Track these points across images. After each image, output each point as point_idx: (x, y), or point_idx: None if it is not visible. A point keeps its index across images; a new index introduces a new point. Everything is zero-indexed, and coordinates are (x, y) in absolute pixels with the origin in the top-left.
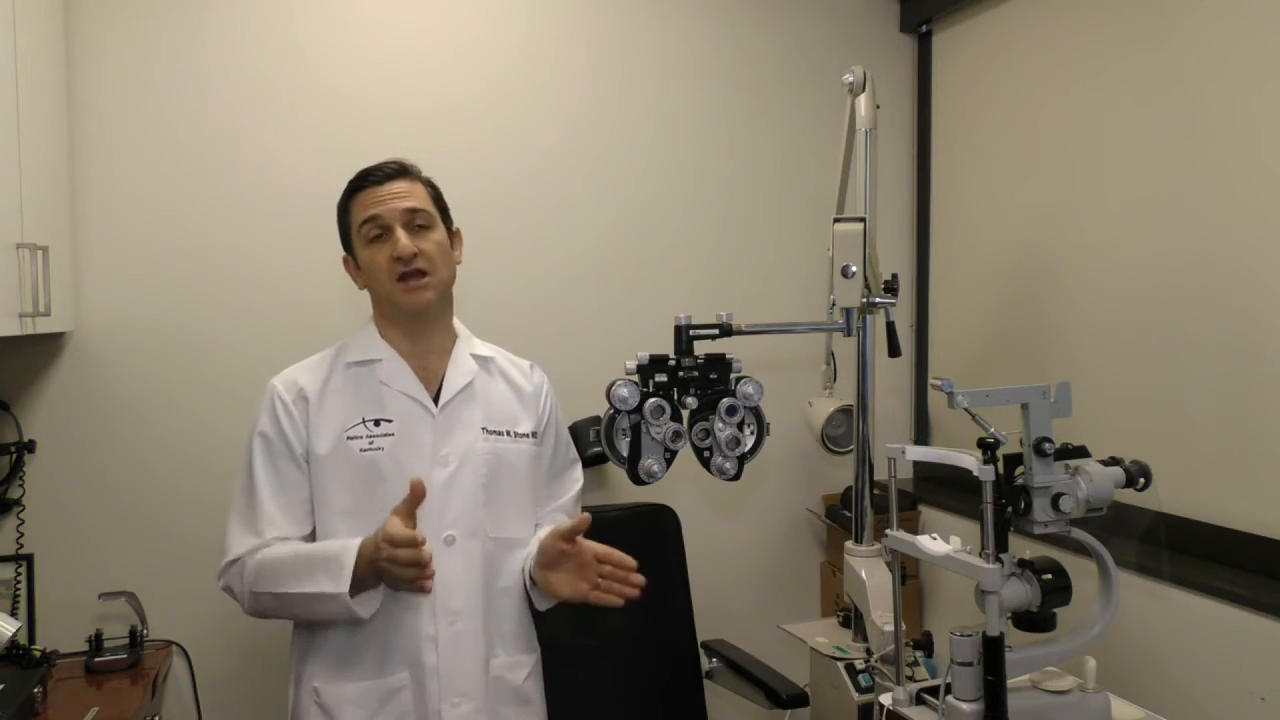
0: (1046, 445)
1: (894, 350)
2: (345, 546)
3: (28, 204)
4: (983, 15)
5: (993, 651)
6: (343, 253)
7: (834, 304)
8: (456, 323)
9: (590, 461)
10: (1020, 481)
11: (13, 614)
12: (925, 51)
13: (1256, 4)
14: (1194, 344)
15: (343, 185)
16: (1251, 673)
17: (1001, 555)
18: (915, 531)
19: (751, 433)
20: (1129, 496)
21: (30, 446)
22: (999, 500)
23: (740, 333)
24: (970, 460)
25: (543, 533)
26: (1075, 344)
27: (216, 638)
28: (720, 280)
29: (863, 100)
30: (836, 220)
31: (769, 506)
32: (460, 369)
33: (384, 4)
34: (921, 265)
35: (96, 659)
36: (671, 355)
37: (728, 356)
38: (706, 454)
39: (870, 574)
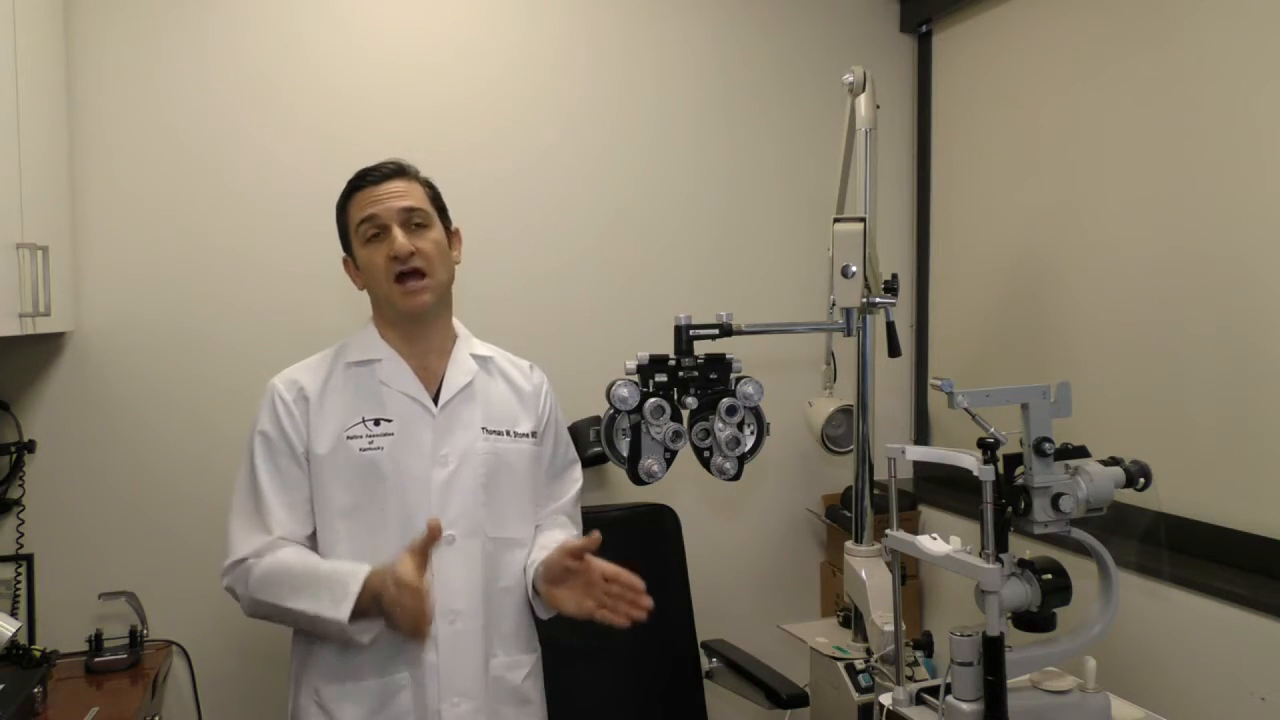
0: (1046, 445)
1: (894, 350)
2: (353, 572)
3: (28, 204)
4: (983, 15)
5: (993, 651)
6: (342, 253)
7: (834, 304)
8: (456, 323)
9: (590, 461)
10: (1020, 481)
11: (13, 614)
12: (925, 51)
13: (1256, 4)
14: (1194, 344)
15: (342, 185)
16: (1251, 673)
17: (1001, 555)
18: (915, 531)
19: (751, 433)
20: (1129, 496)
21: (30, 446)
22: (999, 500)
23: (740, 333)
24: (970, 460)
25: (543, 537)
26: (1075, 344)
27: (216, 638)
28: (720, 280)
29: (863, 100)
30: (836, 220)
31: (769, 506)
32: (460, 369)
33: (384, 4)
34: (921, 265)
35: (96, 659)
36: (671, 355)
37: (728, 356)
38: (706, 454)
39: (870, 574)
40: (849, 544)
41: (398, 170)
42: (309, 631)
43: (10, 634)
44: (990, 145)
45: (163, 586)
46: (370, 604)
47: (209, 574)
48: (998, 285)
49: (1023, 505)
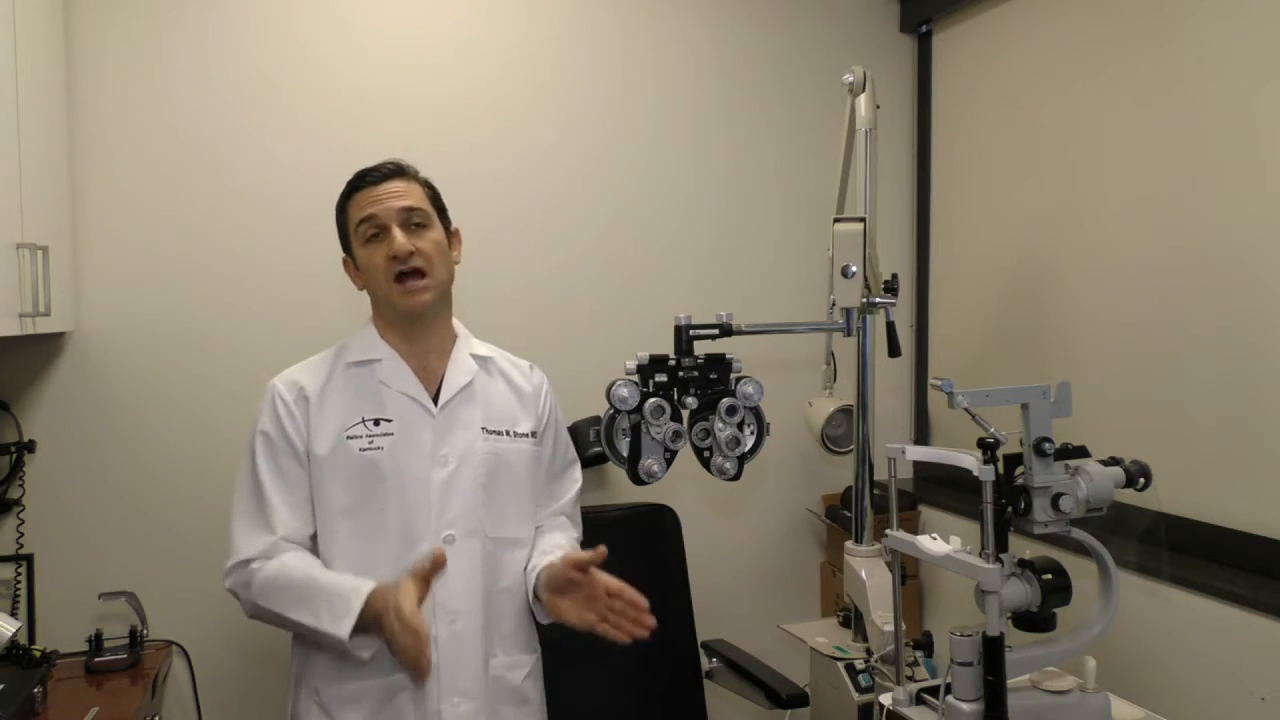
0: (1046, 445)
1: (894, 350)
2: (356, 590)
3: (28, 204)
4: (983, 15)
5: (993, 651)
6: (342, 254)
7: (834, 304)
8: (456, 323)
9: (590, 461)
10: (1020, 481)
11: (13, 614)
12: (925, 51)
13: (1256, 4)
14: (1194, 344)
15: (342, 185)
16: (1251, 673)
17: (1001, 555)
18: (915, 531)
19: (751, 433)
20: (1129, 496)
21: (30, 446)
22: (999, 500)
23: (740, 333)
24: (970, 460)
25: (544, 541)
26: (1075, 344)
27: (216, 638)
28: (720, 280)
29: (863, 100)
30: (836, 220)
31: (769, 506)
32: (460, 369)
33: (384, 4)
34: (921, 265)
35: (96, 659)
36: (671, 355)
37: (728, 356)
38: (706, 454)
39: (870, 574)
40: (849, 544)
41: (397, 170)
42: (310, 640)
43: (10, 634)
44: (990, 145)
45: (163, 586)
46: (372, 621)
47: (209, 574)
48: (998, 285)
49: (1023, 505)
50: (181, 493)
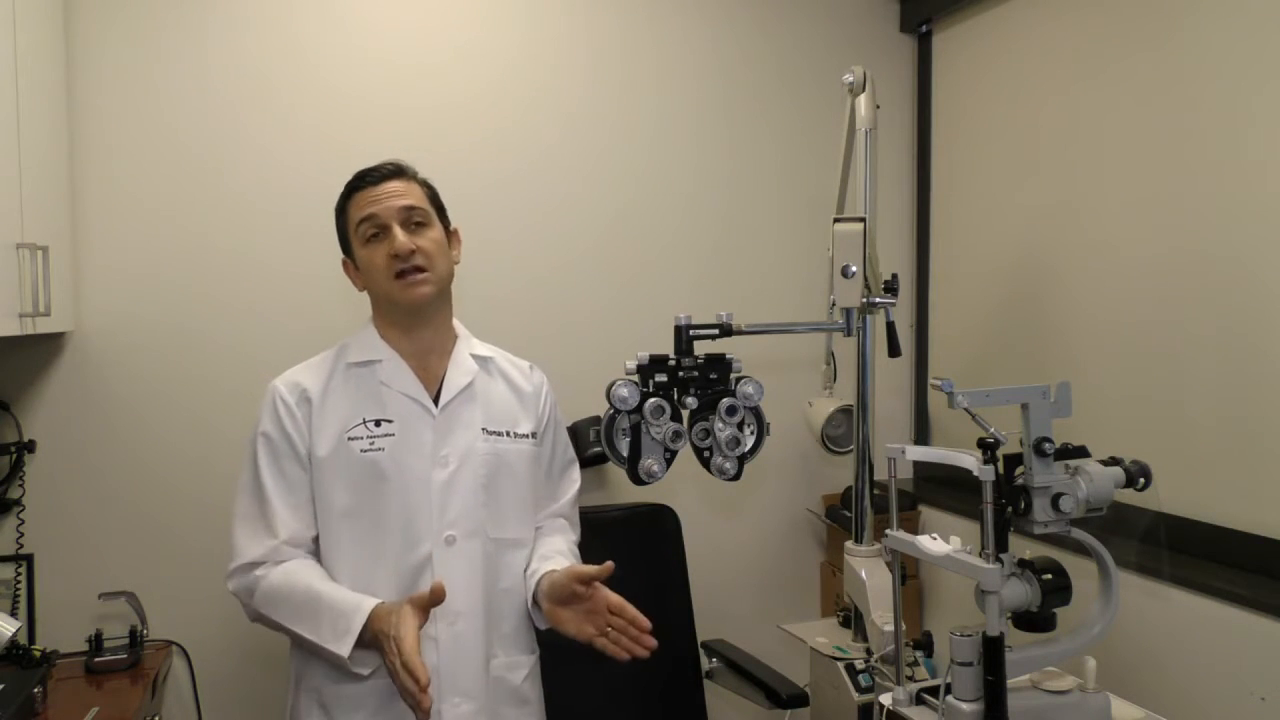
0: (1046, 445)
1: (894, 350)
2: (358, 607)
3: (28, 204)
4: (983, 15)
5: (993, 651)
6: (342, 255)
7: (834, 304)
8: (456, 323)
9: (590, 461)
10: (1020, 481)
11: (13, 614)
12: (925, 51)
13: (1256, 4)
14: (1194, 344)
15: (342, 185)
16: (1251, 673)
17: (1001, 555)
18: (915, 531)
19: (751, 433)
20: (1129, 496)
21: (30, 446)
22: (999, 500)
23: (740, 333)
24: (970, 460)
25: (543, 545)
26: (1075, 344)
27: (216, 638)
28: (720, 280)
29: (863, 100)
30: (836, 220)
31: (769, 506)
32: (460, 369)
33: (384, 4)
34: (921, 265)
35: (96, 659)
36: (671, 355)
37: (728, 356)
38: (706, 454)
39: (870, 574)
40: (849, 544)
41: (396, 170)
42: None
43: (10, 634)
44: (990, 145)
45: (163, 586)
46: (372, 640)
47: (209, 574)
48: (998, 285)
49: (1023, 505)
50: (182, 493)
